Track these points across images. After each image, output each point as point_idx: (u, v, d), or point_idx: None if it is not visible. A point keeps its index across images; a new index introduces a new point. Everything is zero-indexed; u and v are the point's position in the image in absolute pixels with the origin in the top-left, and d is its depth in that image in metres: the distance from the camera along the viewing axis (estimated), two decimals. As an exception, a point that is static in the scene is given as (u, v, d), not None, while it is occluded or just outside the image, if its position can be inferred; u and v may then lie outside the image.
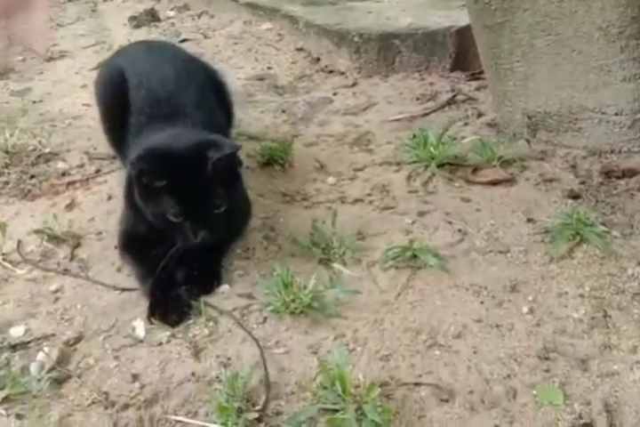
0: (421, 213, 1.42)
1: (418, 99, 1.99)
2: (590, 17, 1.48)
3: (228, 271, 1.24)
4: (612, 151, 1.57)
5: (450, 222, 1.38)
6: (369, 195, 1.50)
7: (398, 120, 1.86)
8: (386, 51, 2.13)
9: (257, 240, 1.34)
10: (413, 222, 1.39)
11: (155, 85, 1.36)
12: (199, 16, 2.67)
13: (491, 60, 1.65)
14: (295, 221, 1.39)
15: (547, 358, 1.05)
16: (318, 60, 2.29)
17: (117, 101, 1.38)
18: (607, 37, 1.49)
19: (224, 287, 1.20)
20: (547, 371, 1.03)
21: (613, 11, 1.47)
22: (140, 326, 1.09)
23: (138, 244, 1.22)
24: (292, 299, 1.13)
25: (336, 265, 1.25)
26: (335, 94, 2.06)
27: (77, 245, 1.32)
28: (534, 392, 0.99)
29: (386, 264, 1.25)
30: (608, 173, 1.51)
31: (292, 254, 1.29)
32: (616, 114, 1.54)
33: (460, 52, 2.10)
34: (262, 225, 1.38)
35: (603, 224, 1.33)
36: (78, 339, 1.09)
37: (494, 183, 1.51)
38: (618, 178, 1.50)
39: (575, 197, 1.45)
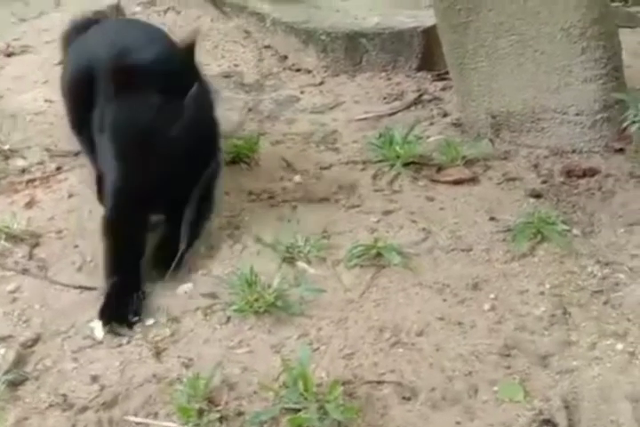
0: (386, 212, 1.42)
1: (384, 98, 2.00)
2: (553, 18, 1.50)
3: (191, 271, 1.23)
4: (574, 151, 1.59)
5: (414, 221, 1.39)
6: (335, 193, 1.50)
7: (365, 119, 1.86)
8: (353, 50, 2.13)
9: (221, 239, 1.33)
10: (378, 221, 1.39)
11: None
12: (165, 12, 2.64)
13: (455, 60, 1.66)
14: (260, 220, 1.38)
15: (507, 355, 1.06)
16: (285, 58, 2.27)
17: (84, 92, 1.32)
18: (569, 38, 1.52)
19: (187, 286, 1.19)
20: (507, 368, 1.04)
21: (575, 12, 1.50)
22: (98, 327, 1.07)
23: (126, 227, 1.20)
24: (256, 298, 1.12)
25: (300, 264, 1.25)
26: (302, 93, 2.05)
27: (36, 245, 1.30)
28: (495, 389, 1.01)
29: (350, 263, 1.25)
30: (569, 173, 1.53)
31: (257, 253, 1.28)
32: (577, 114, 1.57)
33: (427, 52, 2.11)
34: (227, 224, 1.37)
35: (564, 223, 1.35)
36: (36, 340, 1.07)
37: (458, 182, 1.52)
38: (579, 177, 1.52)
39: (537, 196, 1.47)
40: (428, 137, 1.70)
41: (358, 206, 1.45)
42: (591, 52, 1.53)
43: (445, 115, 1.86)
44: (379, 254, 1.26)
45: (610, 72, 1.56)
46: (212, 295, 1.16)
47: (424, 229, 1.36)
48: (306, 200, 1.47)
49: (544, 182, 1.51)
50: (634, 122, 1.54)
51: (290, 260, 1.26)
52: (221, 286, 1.17)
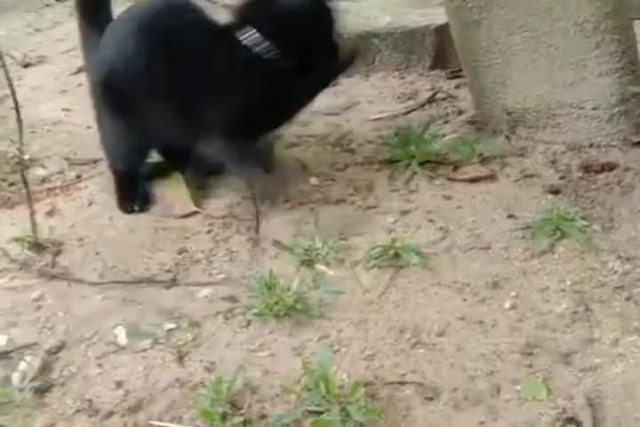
0: (403, 212, 1.42)
1: (398, 97, 2.00)
2: (566, 13, 1.49)
3: (211, 274, 1.24)
4: (591, 146, 1.58)
5: (431, 220, 1.39)
6: (351, 195, 1.50)
7: (379, 119, 1.86)
8: (365, 50, 2.13)
9: (240, 243, 1.34)
10: (396, 221, 1.39)
11: None
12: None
13: (468, 58, 1.66)
14: (278, 223, 1.39)
15: (530, 354, 1.05)
16: (299, 60, 2.28)
17: None
18: (583, 33, 1.51)
19: (207, 291, 1.20)
20: (530, 366, 1.03)
21: (588, 6, 1.49)
22: (122, 333, 1.08)
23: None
24: (276, 301, 1.13)
25: (319, 266, 1.25)
26: (316, 94, 2.06)
27: (59, 252, 1.32)
28: (518, 388, 1.00)
29: (369, 264, 1.26)
30: (587, 168, 1.52)
31: (276, 256, 1.29)
32: (594, 109, 1.55)
33: (439, 51, 2.10)
34: (245, 228, 1.38)
35: (583, 218, 1.34)
36: (60, 347, 1.08)
37: (475, 180, 1.51)
38: (597, 172, 1.51)
39: (555, 192, 1.46)
40: (444, 135, 1.70)
41: (375, 207, 1.45)
42: (605, 45, 1.51)
43: (460, 113, 1.86)
44: (397, 255, 1.26)
45: (625, 65, 1.54)
46: (232, 299, 1.17)
47: (441, 228, 1.36)
48: (323, 202, 1.47)
49: (562, 178, 1.50)
50: (651, 115, 1.54)
51: (308, 262, 1.26)
52: (241, 290, 1.18)
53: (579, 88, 1.55)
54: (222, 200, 1.49)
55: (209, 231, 1.38)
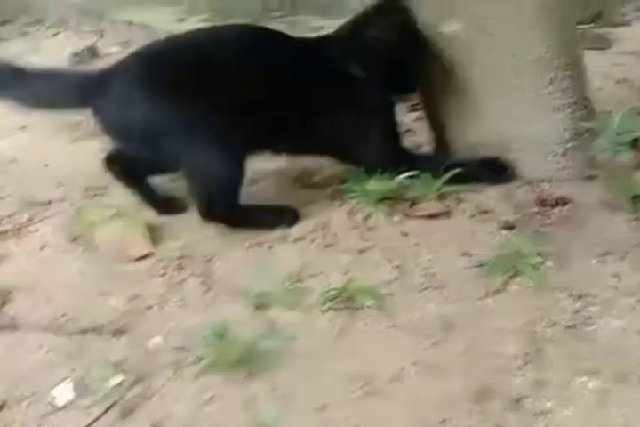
0: (361, 251, 1.42)
1: (359, 130, 2.01)
2: (520, 50, 1.52)
3: (162, 322, 1.22)
4: (546, 180, 1.60)
5: (388, 259, 1.39)
6: (311, 232, 1.49)
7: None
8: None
9: (194, 286, 1.32)
10: (352, 261, 1.39)
11: None
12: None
13: (426, 94, 1.68)
14: (235, 265, 1.38)
15: (482, 400, 1.05)
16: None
17: None
18: (537, 70, 1.54)
19: (157, 340, 1.18)
20: (482, 413, 1.03)
21: (542, 44, 1.52)
22: (65, 390, 1.06)
23: None
24: (227, 351, 1.11)
25: (274, 310, 1.24)
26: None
27: (5, 302, 1.29)
28: (470, 436, 1.00)
29: (324, 307, 1.25)
30: (542, 202, 1.54)
31: (230, 301, 1.27)
32: (548, 143, 1.58)
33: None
34: (200, 270, 1.37)
35: (537, 255, 1.34)
36: (1, 407, 1.05)
37: (432, 217, 1.52)
38: (551, 207, 1.52)
39: (510, 227, 1.47)
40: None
41: (333, 245, 1.45)
42: (559, 82, 1.55)
43: (419, 147, 1.87)
44: (352, 297, 1.26)
45: (578, 101, 1.58)
46: (183, 349, 1.15)
47: (398, 266, 1.36)
48: (281, 240, 1.47)
49: (517, 213, 1.51)
50: (603, 150, 1.57)
51: (262, 307, 1.25)
52: (192, 339, 1.16)
53: (533, 123, 1.57)
54: (179, 240, 1.49)
55: (163, 275, 1.36)
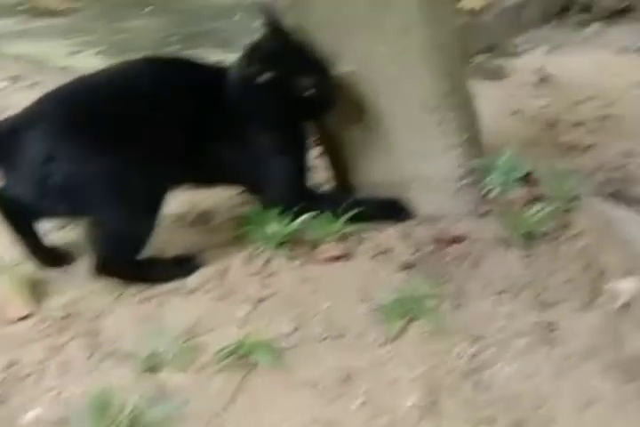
0: (260, 300, 1.38)
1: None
2: (410, 92, 1.54)
3: (41, 392, 1.13)
4: (442, 217, 1.62)
5: (287, 308, 1.35)
6: (206, 282, 1.44)
7: (241, 194, 1.82)
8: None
9: (77, 349, 1.24)
10: (250, 312, 1.35)
11: None
12: (31, 87, 2.54)
13: (323, 132, 1.67)
14: (123, 323, 1.31)
15: (379, 459, 1.03)
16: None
17: None
18: (426, 110, 1.56)
19: (36, 412, 1.09)
20: (378, 473, 1.01)
21: (430, 86, 1.55)
22: None
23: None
24: (113, 422, 1.04)
25: (164, 373, 1.18)
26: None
27: None
28: None
29: (218, 365, 1.20)
30: (438, 241, 1.55)
31: (116, 364, 1.20)
32: (441, 182, 1.60)
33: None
34: (85, 330, 1.28)
35: (434, 296, 1.35)
36: None
37: (332, 260, 1.50)
38: (448, 244, 1.54)
39: (409, 267, 1.47)
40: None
41: (230, 296, 1.40)
42: (448, 122, 1.58)
43: (321, 185, 1.86)
44: (248, 354, 1.21)
45: (469, 139, 1.61)
46: (64, 421, 1.07)
47: (297, 316, 1.33)
48: (174, 293, 1.41)
49: (415, 252, 1.52)
50: (495, 186, 1.61)
51: (152, 369, 1.18)
52: (74, 410, 1.08)
53: (426, 163, 1.59)
54: (64, 296, 1.39)
55: (44, 337, 1.27)
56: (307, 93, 1.43)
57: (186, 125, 1.42)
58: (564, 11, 3.37)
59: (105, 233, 1.39)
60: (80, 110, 1.37)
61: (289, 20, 1.50)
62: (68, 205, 1.36)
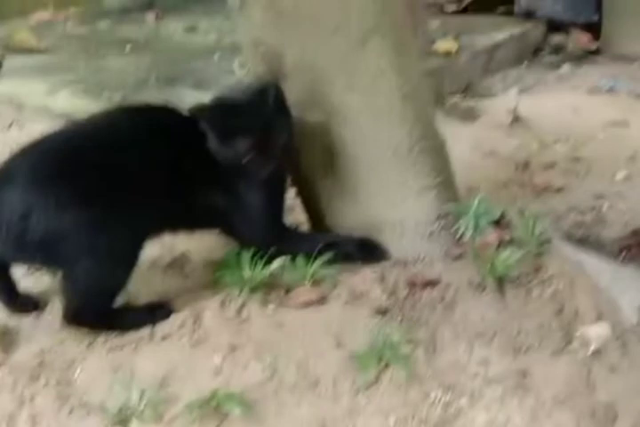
0: (233, 348, 1.37)
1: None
2: (381, 138, 1.57)
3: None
4: (416, 261, 1.63)
5: (261, 356, 1.34)
6: (179, 328, 1.42)
7: (217, 236, 1.82)
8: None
9: (48, 400, 1.21)
10: (224, 359, 1.34)
11: None
12: (9, 127, 2.54)
13: (296, 182, 1.69)
14: (95, 372, 1.29)
15: None
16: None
17: None
18: (398, 155, 1.58)
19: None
20: None
21: (400, 131, 1.57)
22: None
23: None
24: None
25: (134, 425, 1.16)
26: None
27: None
28: None
29: (190, 417, 1.18)
30: (412, 285, 1.56)
31: (86, 417, 1.18)
32: (415, 225, 1.62)
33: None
34: (55, 381, 1.26)
35: (408, 342, 1.35)
36: None
37: (306, 305, 1.50)
38: (421, 288, 1.55)
39: (383, 312, 1.47)
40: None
41: (203, 343, 1.38)
42: (420, 166, 1.60)
43: (297, 227, 1.87)
44: (220, 404, 1.20)
45: (441, 183, 1.64)
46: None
47: (270, 364, 1.32)
48: (147, 340, 1.39)
49: (390, 297, 1.52)
50: (468, 230, 1.63)
51: (122, 422, 1.16)
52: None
53: (399, 206, 1.61)
54: (35, 344, 1.37)
55: (13, 387, 1.25)
56: (244, 160, 1.42)
57: (164, 174, 1.43)
58: (536, 52, 3.47)
59: (79, 284, 1.38)
60: (56, 164, 1.36)
61: (262, 69, 1.54)
62: (44, 257, 1.36)
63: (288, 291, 1.54)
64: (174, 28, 3.41)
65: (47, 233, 1.30)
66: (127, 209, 1.36)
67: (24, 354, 1.34)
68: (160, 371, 1.29)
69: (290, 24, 1.45)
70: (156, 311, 1.45)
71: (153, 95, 2.35)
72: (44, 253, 1.34)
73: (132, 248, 1.40)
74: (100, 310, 1.40)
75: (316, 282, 1.56)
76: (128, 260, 1.40)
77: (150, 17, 3.65)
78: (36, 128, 2.62)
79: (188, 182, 1.47)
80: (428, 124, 1.64)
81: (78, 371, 1.29)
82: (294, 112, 1.53)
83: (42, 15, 3.68)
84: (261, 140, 1.41)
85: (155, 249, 1.76)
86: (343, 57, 1.49)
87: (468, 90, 2.98)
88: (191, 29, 3.35)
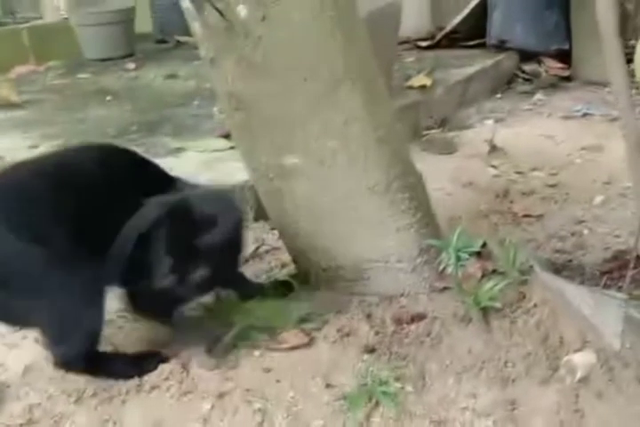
0: (221, 395, 1.36)
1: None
2: (358, 178, 1.59)
3: None
4: (401, 296, 1.65)
5: (250, 401, 1.34)
6: (166, 379, 1.42)
7: (202, 280, 1.83)
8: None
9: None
10: (212, 407, 1.33)
11: None
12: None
13: (277, 221, 1.71)
14: (83, 426, 1.28)
15: None
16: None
17: None
18: (376, 195, 1.60)
19: None
20: None
21: (376, 170, 1.59)
22: None
23: None
24: None
25: (122, 482, 1.15)
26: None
27: None
28: None
29: (179, 470, 1.17)
30: (398, 320, 1.57)
31: (74, 476, 1.17)
32: (397, 261, 1.64)
33: (261, 204, 2.16)
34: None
35: (397, 379, 1.36)
36: None
37: (294, 348, 1.50)
38: (408, 324, 1.56)
39: (371, 350, 1.48)
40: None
41: (191, 392, 1.38)
42: (398, 204, 1.62)
43: (283, 266, 1.88)
44: (209, 454, 1.19)
45: (420, 219, 1.65)
46: None
47: (260, 409, 1.32)
48: (134, 391, 1.38)
49: (377, 334, 1.53)
50: (449, 263, 1.65)
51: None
52: None
53: (381, 244, 1.63)
54: (22, 401, 1.36)
55: (2, 447, 1.24)
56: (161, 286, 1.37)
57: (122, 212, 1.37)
58: (509, 82, 3.56)
59: (54, 325, 1.36)
60: (15, 202, 1.33)
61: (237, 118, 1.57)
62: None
63: (276, 334, 1.54)
64: (154, 75, 3.49)
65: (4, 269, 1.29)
66: (84, 253, 1.32)
67: (12, 411, 1.33)
68: (149, 422, 1.28)
69: (261, 75, 1.48)
70: (146, 361, 1.45)
71: (133, 143, 2.38)
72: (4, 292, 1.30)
73: (96, 289, 1.37)
74: (86, 352, 1.38)
75: (304, 321, 1.57)
76: (93, 300, 1.37)
77: (130, 66, 3.74)
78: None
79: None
80: (405, 163, 1.67)
81: (67, 426, 1.28)
82: (270, 157, 1.57)
83: (22, 68, 3.76)
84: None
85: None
86: (316, 103, 1.52)
87: (444, 123, 3.04)
88: (171, 76, 3.43)
